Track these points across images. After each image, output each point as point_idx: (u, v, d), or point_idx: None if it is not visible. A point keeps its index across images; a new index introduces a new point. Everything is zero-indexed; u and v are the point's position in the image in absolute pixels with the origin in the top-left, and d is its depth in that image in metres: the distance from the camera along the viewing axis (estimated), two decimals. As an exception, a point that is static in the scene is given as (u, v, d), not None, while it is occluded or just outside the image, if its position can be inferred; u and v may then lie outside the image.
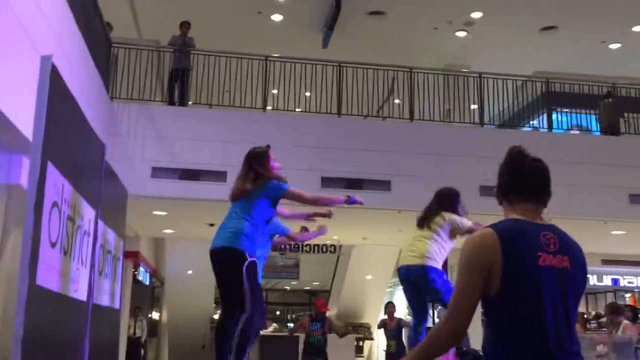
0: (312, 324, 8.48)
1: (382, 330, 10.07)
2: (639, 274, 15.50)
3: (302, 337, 8.90)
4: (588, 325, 15.18)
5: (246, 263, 3.79)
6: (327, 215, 4.32)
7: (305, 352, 8.46)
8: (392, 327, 9.53)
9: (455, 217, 4.96)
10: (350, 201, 4.06)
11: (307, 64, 10.34)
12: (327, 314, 9.05)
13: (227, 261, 3.87)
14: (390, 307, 9.90)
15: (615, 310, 7.69)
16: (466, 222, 4.92)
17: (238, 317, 3.73)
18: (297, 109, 10.82)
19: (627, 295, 16.29)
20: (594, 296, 17.64)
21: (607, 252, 13.53)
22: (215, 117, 9.96)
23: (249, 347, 3.80)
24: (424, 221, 5.06)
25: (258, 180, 4.04)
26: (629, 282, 15.62)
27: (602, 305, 17.47)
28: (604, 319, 15.88)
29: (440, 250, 4.90)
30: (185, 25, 10.32)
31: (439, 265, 4.91)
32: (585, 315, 15.99)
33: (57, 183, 3.46)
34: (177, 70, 10.04)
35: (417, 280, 4.97)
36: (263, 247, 4.22)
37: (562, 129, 11.66)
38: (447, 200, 5.09)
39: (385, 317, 9.85)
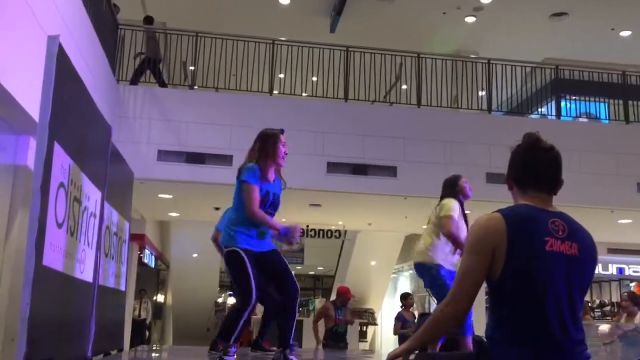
0: (336, 311, 8.30)
1: (392, 317, 10.02)
2: (645, 264, 15.47)
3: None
4: (592, 314, 15.20)
5: (224, 254, 3.94)
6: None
7: (329, 339, 8.26)
8: (409, 317, 9.50)
9: (444, 217, 4.76)
10: (281, 234, 3.91)
11: (314, 48, 10.28)
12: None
13: (225, 257, 4.02)
14: (410, 300, 9.81)
15: (634, 299, 7.67)
16: (453, 231, 4.67)
17: (241, 304, 3.83)
18: (303, 94, 10.78)
19: (632, 284, 16.26)
20: (598, 285, 17.63)
21: (613, 240, 13.50)
22: (221, 100, 9.93)
23: (236, 333, 3.87)
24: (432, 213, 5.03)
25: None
26: (634, 271, 15.58)
27: (606, 294, 17.48)
28: (607, 308, 15.92)
29: (446, 241, 4.80)
30: (147, 20, 10.36)
31: (443, 255, 4.79)
32: (590, 304, 16.00)
33: (63, 164, 3.46)
34: (148, 59, 10.00)
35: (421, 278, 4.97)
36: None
37: (570, 116, 11.58)
38: (446, 188, 5.03)
39: (401, 309, 9.76)
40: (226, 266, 3.99)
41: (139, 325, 13.47)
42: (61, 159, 3.41)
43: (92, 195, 4.27)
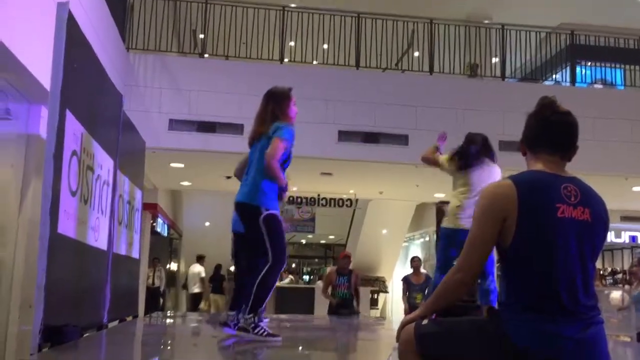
0: (337, 278, 8.32)
1: (401, 284, 10.07)
2: (657, 231, 15.40)
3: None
4: (604, 282, 15.22)
5: (262, 217, 3.81)
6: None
7: (332, 305, 8.26)
8: (419, 282, 9.52)
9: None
10: (284, 189, 4.01)
11: (324, 15, 10.15)
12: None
13: (247, 215, 3.94)
14: (415, 262, 9.87)
15: None
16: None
17: (261, 266, 3.76)
18: (314, 62, 10.68)
19: (644, 252, 16.25)
20: (610, 252, 17.61)
21: (627, 208, 13.41)
22: (232, 69, 9.86)
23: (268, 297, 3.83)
24: None
25: (275, 123, 3.94)
26: (647, 239, 15.54)
27: (618, 261, 17.46)
28: (619, 275, 15.93)
29: (463, 197, 4.81)
30: None
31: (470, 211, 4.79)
32: (602, 272, 16.01)
33: (75, 131, 3.46)
34: None
35: None
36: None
37: (585, 82, 11.41)
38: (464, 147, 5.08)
39: (411, 272, 9.83)
40: (264, 228, 3.82)
41: (153, 293, 13.65)
42: (73, 127, 3.41)
43: (105, 163, 4.28)
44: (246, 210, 3.92)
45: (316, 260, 26.38)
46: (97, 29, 6.89)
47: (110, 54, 7.78)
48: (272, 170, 3.82)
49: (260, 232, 3.81)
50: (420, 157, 5.38)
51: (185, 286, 16.00)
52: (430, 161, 5.26)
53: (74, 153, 3.43)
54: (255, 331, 3.65)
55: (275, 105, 3.99)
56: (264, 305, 3.80)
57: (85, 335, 3.77)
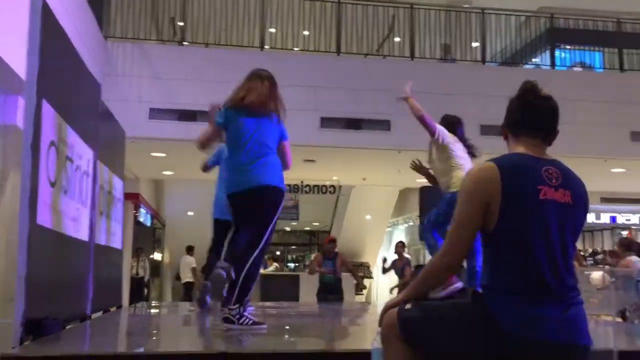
0: (323, 262, 8.35)
1: (386, 269, 10.18)
2: (637, 212, 15.63)
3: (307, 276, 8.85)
4: (585, 262, 15.43)
5: (282, 201, 3.85)
6: None
7: (319, 291, 8.35)
8: (401, 265, 9.65)
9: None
10: None
11: (305, 1, 10.08)
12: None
13: (273, 199, 3.80)
14: (399, 247, 9.96)
15: (625, 244, 7.77)
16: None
17: (252, 252, 3.72)
18: (295, 48, 10.62)
19: (624, 232, 16.48)
20: (591, 234, 17.86)
21: (607, 190, 13.60)
22: (212, 56, 9.78)
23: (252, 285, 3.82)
24: None
25: (277, 107, 3.89)
26: (626, 220, 15.77)
27: (599, 242, 17.72)
28: (600, 256, 16.16)
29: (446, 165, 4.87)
30: None
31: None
32: (582, 253, 16.24)
33: (53, 122, 3.42)
34: None
35: None
36: None
37: (565, 66, 11.50)
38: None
39: (395, 257, 9.93)
40: (271, 205, 3.75)
41: (137, 283, 13.62)
42: (50, 117, 3.36)
43: (84, 154, 4.23)
44: (277, 194, 3.80)
45: (300, 247, 26.43)
46: (73, 18, 6.78)
47: (87, 43, 7.66)
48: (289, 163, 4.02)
49: (272, 216, 3.75)
50: (421, 115, 5.13)
51: (178, 277, 16.01)
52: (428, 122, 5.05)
53: (52, 144, 3.39)
54: (240, 321, 3.65)
55: (273, 89, 3.91)
56: (249, 295, 3.79)
57: (68, 327, 3.74)
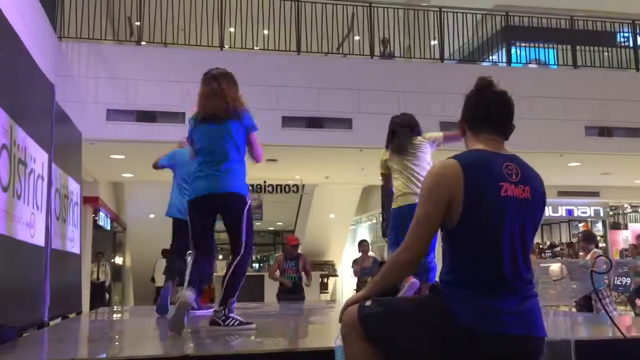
0: (285, 262, 8.31)
1: (351, 268, 10.21)
2: (592, 204, 16.05)
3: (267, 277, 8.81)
4: (543, 255, 15.79)
5: (247, 207, 3.84)
6: None
7: (280, 291, 8.29)
8: (368, 264, 9.67)
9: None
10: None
11: (263, 0, 10.03)
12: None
13: (236, 206, 3.83)
14: (364, 246, 9.99)
15: (587, 237, 7.99)
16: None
17: (247, 256, 3.77)
18: (255, 47, 10.56)
19: (581, 224, 16.91)
20: (549, 227, 18.27)
21: (563, 183, 13.92)
22: (170, 56, 9.66)
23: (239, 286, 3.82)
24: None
25: (231, 106, 3.83)
26: (582, 212, 16.17)
27: (556, 235, 18.14)
28: (557, 248, 16.55)
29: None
30: None
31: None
32: (541, 245, 16.61)
33: (4, 125, 3.31)
34: None
35: None
36: None
37: (520, 63, 11.72)
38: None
39: (359, 255, 9.95)
40: (246, 218, 3.80)
41: (98, 288, 13.36)
42: (2, 120, 3.26)
43: (38, 157, 4.12)
44: (238, 201, 3.80)
45: (265, 247, 26.32)
46: (25, 18, 6.60)
47: (40, 43, 7.48)
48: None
49: (241, 222, 3.78)
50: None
51: (153, 279, 15.77)
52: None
53: (3, 147, 3.29)
54: (226, 323, 3.65)
55: (231, 87, 3.87)
56: (235, 297, 3.77)
57: (24, 335, 3.64)
